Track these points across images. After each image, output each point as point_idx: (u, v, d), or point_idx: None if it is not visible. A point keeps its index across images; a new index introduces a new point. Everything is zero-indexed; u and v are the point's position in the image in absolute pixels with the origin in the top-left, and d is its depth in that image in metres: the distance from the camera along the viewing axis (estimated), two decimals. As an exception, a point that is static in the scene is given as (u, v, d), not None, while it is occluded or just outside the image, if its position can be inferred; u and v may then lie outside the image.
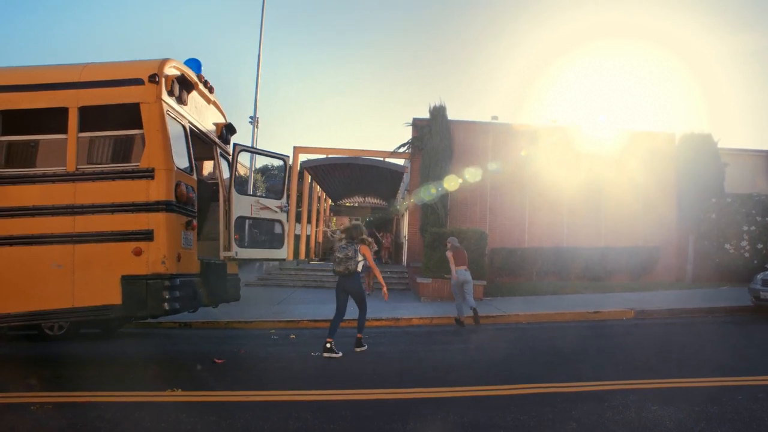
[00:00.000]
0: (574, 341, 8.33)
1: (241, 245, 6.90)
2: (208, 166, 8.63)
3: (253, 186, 22.16)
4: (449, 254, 10.07)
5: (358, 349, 7.09)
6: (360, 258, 7.04)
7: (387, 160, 19.85)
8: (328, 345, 6.77)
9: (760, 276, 10.55)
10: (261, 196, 8.30)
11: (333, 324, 7.00)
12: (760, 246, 15.72)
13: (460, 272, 9.87)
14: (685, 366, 6.19)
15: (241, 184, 19.50)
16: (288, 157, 7.95)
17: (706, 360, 6.65)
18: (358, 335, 7.25)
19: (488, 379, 5.65)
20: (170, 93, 5.77)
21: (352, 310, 7.30)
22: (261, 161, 31.01)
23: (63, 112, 5.57)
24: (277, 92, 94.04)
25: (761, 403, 4.42)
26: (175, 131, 5.81)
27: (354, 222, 7.43)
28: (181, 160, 5.86)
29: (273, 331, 9.55)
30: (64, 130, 5.56)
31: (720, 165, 17.24)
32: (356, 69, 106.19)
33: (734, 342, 8.20)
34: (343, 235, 7.29)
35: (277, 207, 7.25)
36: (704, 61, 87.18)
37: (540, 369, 6.17)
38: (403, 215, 21.66)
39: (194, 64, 6.63)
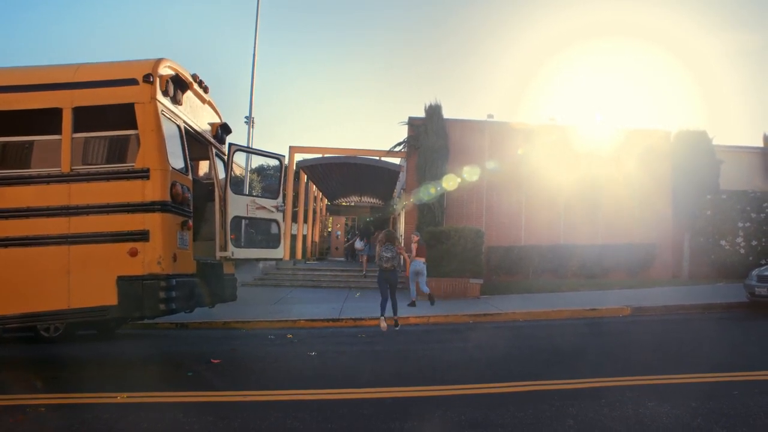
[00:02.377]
0: (571, 339, 8.35)
1: (237, 245, 6.89)
2: (203, 166, 8.61)
3: (249, 186, 22.06)
4: (414, 246, 11.45)
5: (397, 328, 9.07)
6: (398, 255, 9.05)
7: (383, 159, 19.82)
8: (383, 319, 8.87)
9: (755, 272, 10.60)
10: (257, 196, 8.28)
11: (382, 306, 9.00)
12: (755, 242, 15.81)
13: (418, 263, 11.31)
14: (682, 362, 6.21)
15: (236, 183, 19.35)
16: (284, 156, 7.94)
17: (703, 356, 6.67)
18: (396, 318, 9.16)
19: (486, 377, 5.65)
20: (165, 93, 5.74)
21: (348, 309, 7.32)
22: (257, 161, 30.79)
23: (57, 112, 5.53)
24: (276, 92, 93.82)
25: (757, 398, 4.44)
26: (170, 131, 5.79)
27: (387, 230, 9.71)
28: (177, 160, 5.84)
29: (269, 331, 9.54)
30: (59, 131, 5.53)
31: (715, 162, 17.29)
32: (354, 68, 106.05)
33: (730, 338, 8.24)
34: (384, 240, 9.26)
35: (273, 207, 7.24)
36: (701, 59, 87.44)
37: (537, 366, 6.19)
38: (399, 214, 21.62)
39: None
